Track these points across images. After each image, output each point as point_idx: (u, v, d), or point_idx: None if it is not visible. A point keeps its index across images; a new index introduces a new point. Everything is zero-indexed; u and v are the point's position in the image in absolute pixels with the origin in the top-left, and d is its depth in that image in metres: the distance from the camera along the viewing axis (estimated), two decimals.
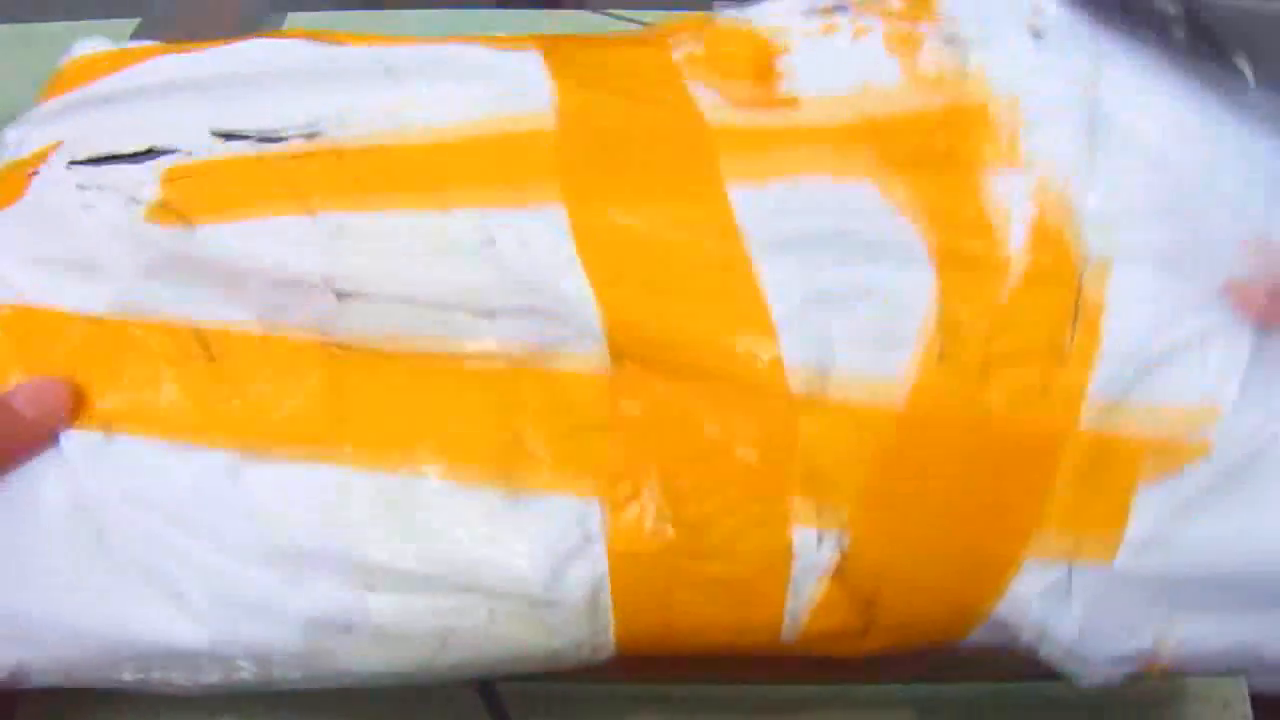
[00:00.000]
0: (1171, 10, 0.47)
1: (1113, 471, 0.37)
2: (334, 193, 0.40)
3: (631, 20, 0.71)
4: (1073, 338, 0.38)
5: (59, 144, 0.43)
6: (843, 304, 0.39)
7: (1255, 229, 0.41)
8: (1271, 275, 0.40)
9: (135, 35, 0.64)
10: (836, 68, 0.46)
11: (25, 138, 0.44)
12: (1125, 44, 0.47)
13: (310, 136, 0.42)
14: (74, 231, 0.39)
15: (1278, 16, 0.69)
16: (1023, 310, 0.39)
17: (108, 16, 0.69)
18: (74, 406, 0.37)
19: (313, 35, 0.48)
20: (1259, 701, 0.48)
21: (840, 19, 0.49)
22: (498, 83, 0.45)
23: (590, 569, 0.36)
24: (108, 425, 0.37)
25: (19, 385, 0.37)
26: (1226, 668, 0.38)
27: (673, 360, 0.37)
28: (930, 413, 0.37)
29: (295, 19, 0.78)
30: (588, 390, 0.37)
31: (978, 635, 0.38)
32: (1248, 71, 0.46)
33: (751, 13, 0.51)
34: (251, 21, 0.76)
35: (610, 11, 0.73)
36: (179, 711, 0.46)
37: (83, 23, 0.66)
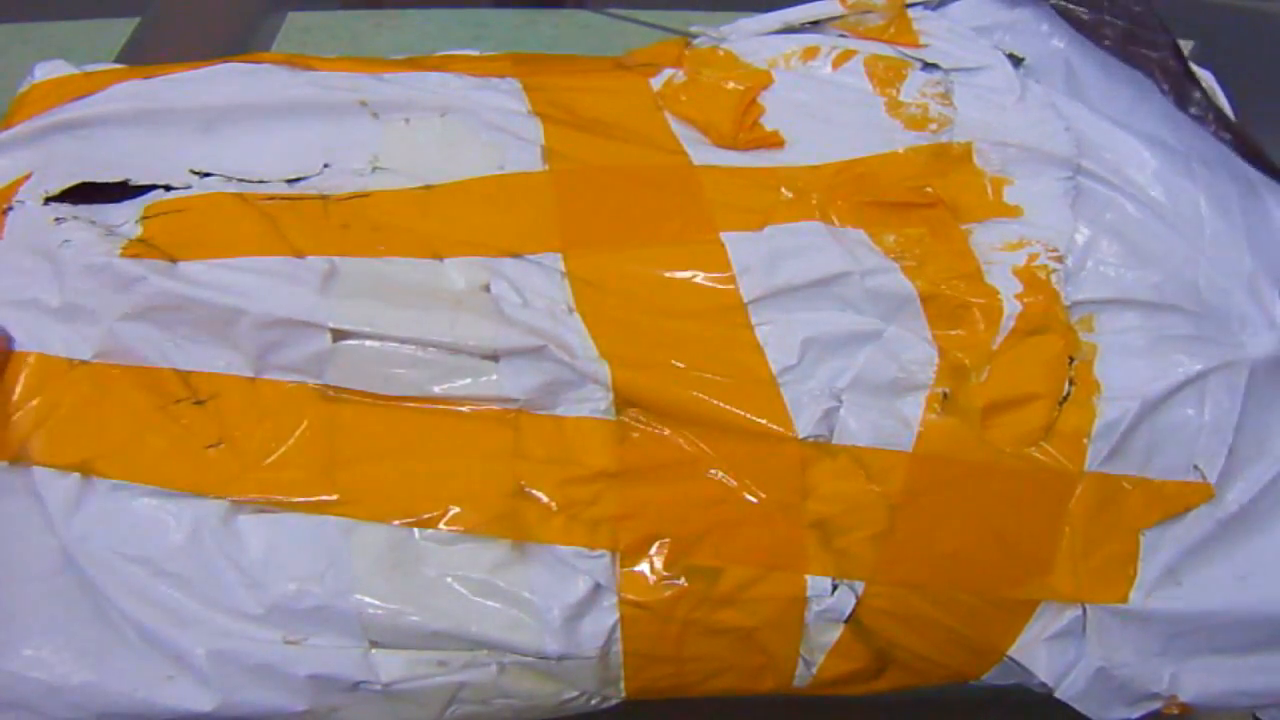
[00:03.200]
0: (1165, 44, 0.46)
1: (1121, 513, 0.37)
2: (321, 239, 0.39)
3: (629, 19, 0.70)
4: (1071, 381, 0.38)
5: (28, 175, 0.41)
6: (842, 351, 0.38)
7: (1243, 266, 0.41)
8: None
9: (135, 35, 0.62)
10: (818, 102, 0.46)
11: None
12: (1109, 74, 0.47)
13: (292, 182, 0.41)
14: (55, 272, 0.37)
15: (1278, 16, 0.69)
16: (1019, 355, 0.39)
17: (108, 16, 0.67)
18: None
19: (286, 60, 0.46)
20: None
21: (819, 41, 0.49)
22: (480, 121, 0.44)
23: (601, 621, 0.35)
24: (88, 469, 0.35)
25: None
26: (1248, 704, 0.38)
27: (677, 409, 0.37)
28: (938, 457, 0.37)
29: (295, 18, 0.77)
30: (593, 438, 0.36)
31: (992, 676, 0.37)
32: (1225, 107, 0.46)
33: (729, 33, 0.50)
34: (252, 20, 0.74)
35: (608, 10, 0.72)
36: None
37: (83, 22, 0.64)
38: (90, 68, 0.47)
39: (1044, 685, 0.37)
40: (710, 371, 0.37)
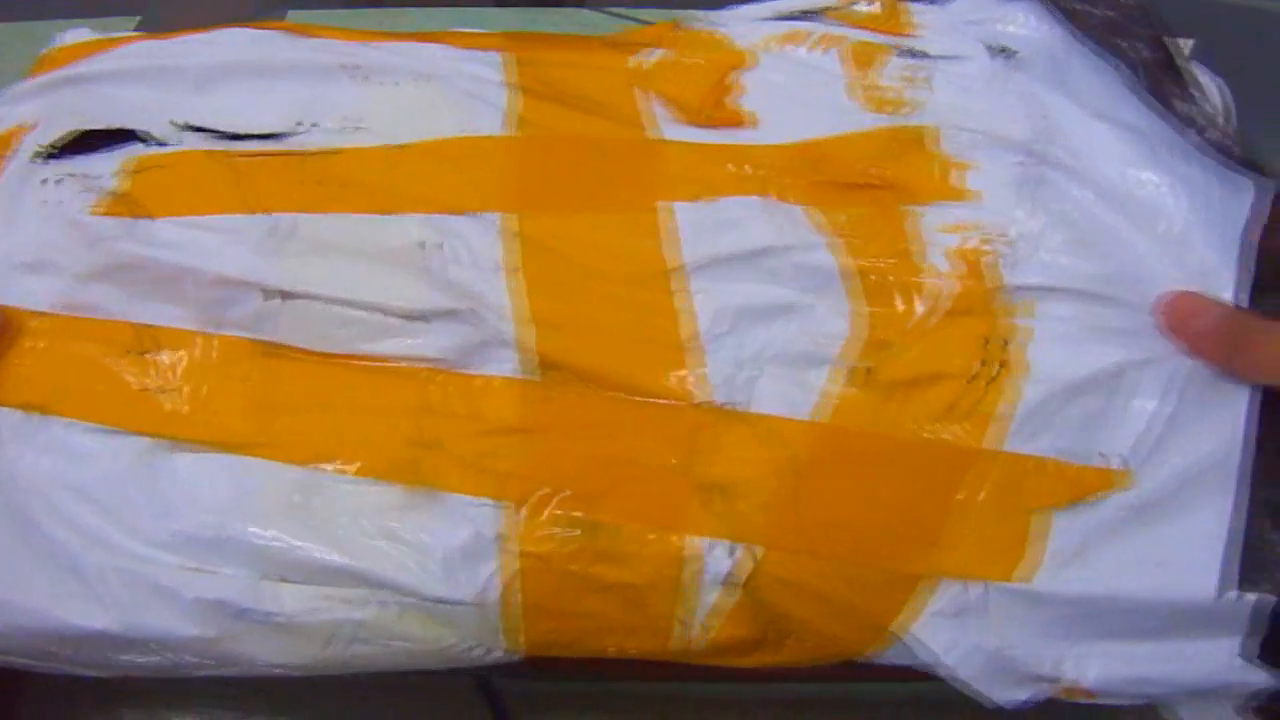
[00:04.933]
0: (1144, 36, 0.46)
1: (1029, 494, 0.36)
2: (286, 194, 0.41)
3: (629, 18, 0.71)
4: (998, 363, 0.38)
5: (29, 126, 0.43)
6: (764, 322, 0.39)
7: (1196, 266, 0.40)
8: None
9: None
10: (791, 84, 0.46)
11: (2, 117, 0.45)
12: (1093, 65, 0.46)
13: (271, 138, 0.43)
14: (31, 227, 0.40)
15: (1278, 16, 0.66)
16: (941, 336, 0.38)
17: (107, 14, 0.70)
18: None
19: (290, 28, 0.48)
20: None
21: (808, 27, 0.49)
22: (457, 89, 0.45)
23: (492, 569, 0.36)
24: (36, 407, 0.37)
25: None
26: (1145, 694, 0.36)
27: (591, 371, 0.37)
28: (842, 429, 0.37)
29: (295, 16, 0.79)
30: (505, 396, 0.37)
31: (888, 653, 0.37)
32: (1215, 97, 0.45)
33: (723, 17, 0.51)
34: (252, 18, 0.76)
35: (609, 10, 0.73)
36: (174, 708, 0.47)
37: (83, 21, 0.68)
38: (114, 34, 0.50)
39: (938, 664, 0.36)
40: (628, 335, 0.38)
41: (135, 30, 0.63)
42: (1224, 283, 0.40)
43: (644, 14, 0.71)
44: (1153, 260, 0.41)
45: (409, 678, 0.42)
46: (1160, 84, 0.44)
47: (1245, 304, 0.39)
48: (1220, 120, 0.44)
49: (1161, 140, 0.43)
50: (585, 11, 0.68)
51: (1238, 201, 0.41)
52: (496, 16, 0.78)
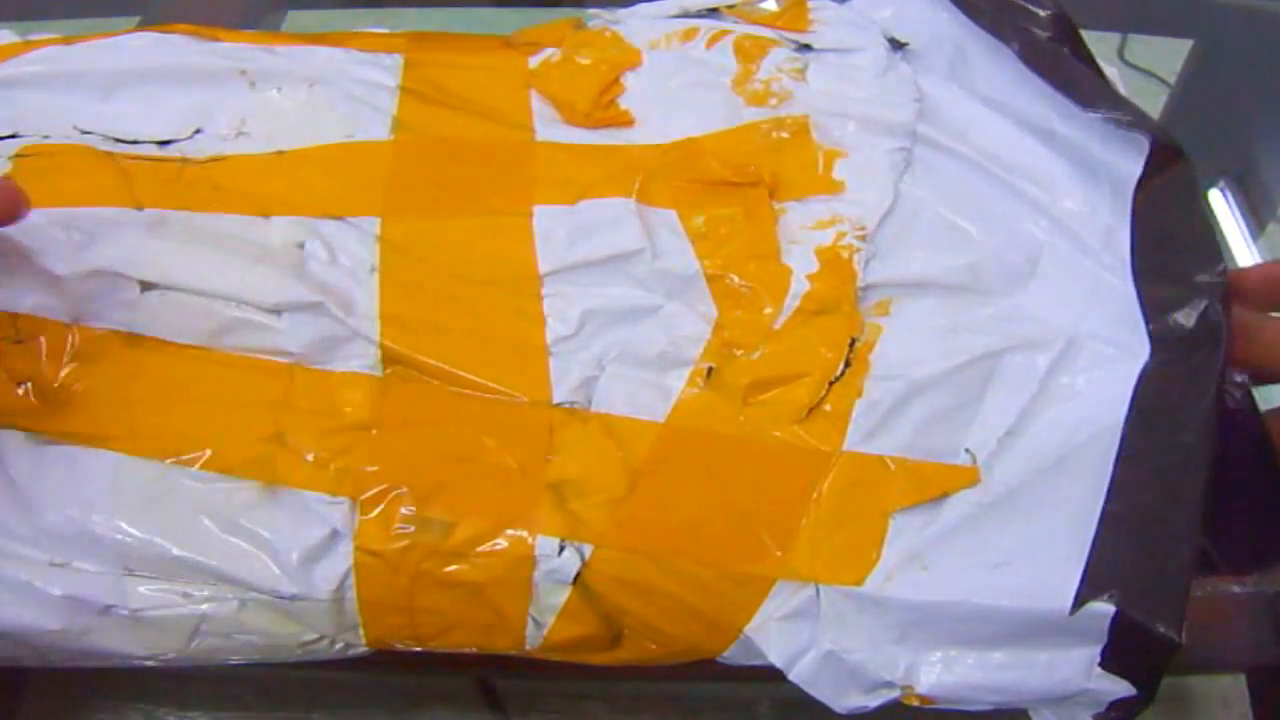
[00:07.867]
0: (1041, 13, 0.45)
1: (874, 494, 0.36)
2: (166, 195, 0.41)
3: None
4: (847, 362, 0.37)
5: None
6: (621, 325, 0.39)
7: (1098, 233, 0.39)
8: None
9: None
10: (677, 82, 0.46)
11: None
12: (990, 49, 0.45)
13: (163, 144, 0.44)
14: None
15: (1278, 16, 0.64)
16: (799, 336, 0.38)
17: (107, 14, 0.71)
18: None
19: (195, 31, 0.49)
20: (1259, 701, 0.46)
21: (702, 23, 0.48)
22: (344, 94, 0.45)
23: (336, 566, 0.36)
24: None
25: None
26: (992, 702, 0.35)
27: (436, 369, 0.38)
28: (689, 429, 0.37)
29: (295, 16, 0.80)
30: (356, 392, 0.38)
31: (734, 653, 0.36)
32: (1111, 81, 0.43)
33: (622, 15, 0.50)
34: (251, 19, 0.77)
35: (610, 9, 0.72)
36: (174, 708, 0.48)
37: (82, 22, 0.69)
38: (34, 36, 0.51)
39: (779, 666, 0.35)
40: (485, 337, 0.38)
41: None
42: (1123, 244, 0.39)
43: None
44: (1042, 233, 0.40)
45: (409, 679, 0.42)
46: (1060, 60, 0.43)
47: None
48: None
49: (1061, 114, 0.42)
50: (585, 12, 0.68)
51: (1135, 163, 0.40)
52: (496, 16, 0.77)
